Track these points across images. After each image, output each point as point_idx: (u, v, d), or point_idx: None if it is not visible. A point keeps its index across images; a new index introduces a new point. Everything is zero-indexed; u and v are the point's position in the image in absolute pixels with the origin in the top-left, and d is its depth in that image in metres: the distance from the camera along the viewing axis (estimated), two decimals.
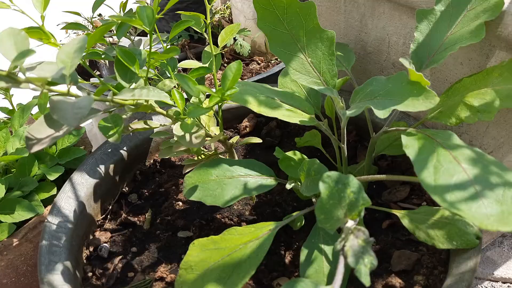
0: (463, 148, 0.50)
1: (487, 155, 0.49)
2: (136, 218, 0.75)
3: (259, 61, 1.18)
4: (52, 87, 0.45)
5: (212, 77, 1.12)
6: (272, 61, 1.19)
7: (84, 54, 0.57)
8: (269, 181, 0.65)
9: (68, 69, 0.43)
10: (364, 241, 0.41)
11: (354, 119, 0.84)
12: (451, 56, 0.67)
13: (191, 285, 0.51)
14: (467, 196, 0.44)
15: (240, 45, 1.14)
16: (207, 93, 0.61)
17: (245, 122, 0.91)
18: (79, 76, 0.52)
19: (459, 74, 0.68)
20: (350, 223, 0.44)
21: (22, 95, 0.88)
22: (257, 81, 0.98)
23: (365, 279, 0.38)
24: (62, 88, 0.46)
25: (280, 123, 0.91)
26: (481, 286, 0.86)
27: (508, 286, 0.86)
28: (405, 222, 0.60)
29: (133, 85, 0.52)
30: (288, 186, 0.63)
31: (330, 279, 0.55)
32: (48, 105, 0.43)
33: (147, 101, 0.51)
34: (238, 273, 0.52)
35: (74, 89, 0.50)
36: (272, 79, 1.01)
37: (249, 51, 1.18)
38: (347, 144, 0.85)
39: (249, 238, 0.56)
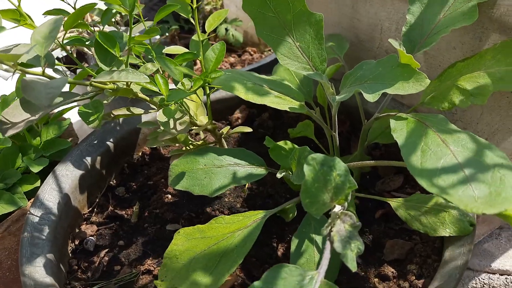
0: (453, 131, 0.49)
1: (478, 137, 0.47)
2: (124, 211, 0.73)
3: (252, 52, 1.16)
4: (28, 69, 0.43)
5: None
6: (265, 52, 1.17)
7: (68, 41, 0.56)
8: (260, 170, 0.63)
9: (43, 50, 0.41)
10: (351, 226, 0.39)
11: (347, 108, 0.82)
12: (444, 41, 0.66)
13: (176, 274, 0.49)
14: (455, 179, 0.42)
15: (232, 35, 1.12)
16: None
17: (237, 114, 0.89)
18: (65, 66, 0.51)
19: (452, 58, 0.66)
20: (337, 208, 0.42)
21: (7, 88, 0.86)
22: (249, 70, 0.96)
23: (352, 265, 0.36)
24: (38, 71, 0.45)
25: (272, 114, 0.89)
26: (479, 279, 0.84)
27: (506, 278, 0.84)
28: (398, 210, 0.59)
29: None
30: (279, 175, 0.61)
31: None
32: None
33: (127, 85, 0.49)
34: (225, 263, 0.50)
35: (52, 74, 0.48)
36: (264, 69, 0.99)
37: (241, 42, 1.16)
38: (340, 135, 0.83)
39: (237, 227, 0.54)
